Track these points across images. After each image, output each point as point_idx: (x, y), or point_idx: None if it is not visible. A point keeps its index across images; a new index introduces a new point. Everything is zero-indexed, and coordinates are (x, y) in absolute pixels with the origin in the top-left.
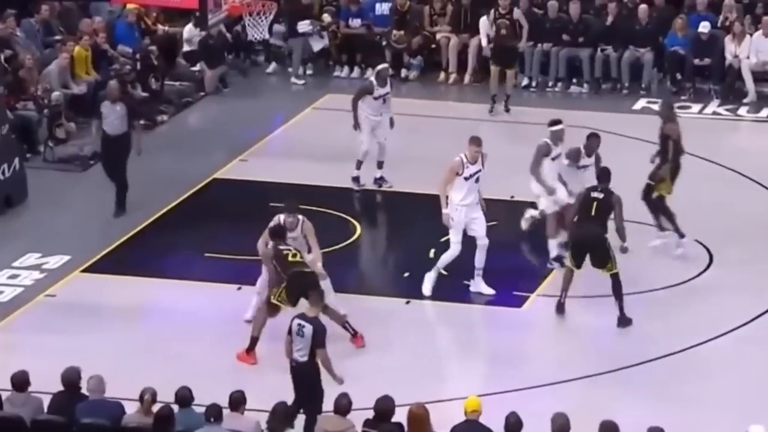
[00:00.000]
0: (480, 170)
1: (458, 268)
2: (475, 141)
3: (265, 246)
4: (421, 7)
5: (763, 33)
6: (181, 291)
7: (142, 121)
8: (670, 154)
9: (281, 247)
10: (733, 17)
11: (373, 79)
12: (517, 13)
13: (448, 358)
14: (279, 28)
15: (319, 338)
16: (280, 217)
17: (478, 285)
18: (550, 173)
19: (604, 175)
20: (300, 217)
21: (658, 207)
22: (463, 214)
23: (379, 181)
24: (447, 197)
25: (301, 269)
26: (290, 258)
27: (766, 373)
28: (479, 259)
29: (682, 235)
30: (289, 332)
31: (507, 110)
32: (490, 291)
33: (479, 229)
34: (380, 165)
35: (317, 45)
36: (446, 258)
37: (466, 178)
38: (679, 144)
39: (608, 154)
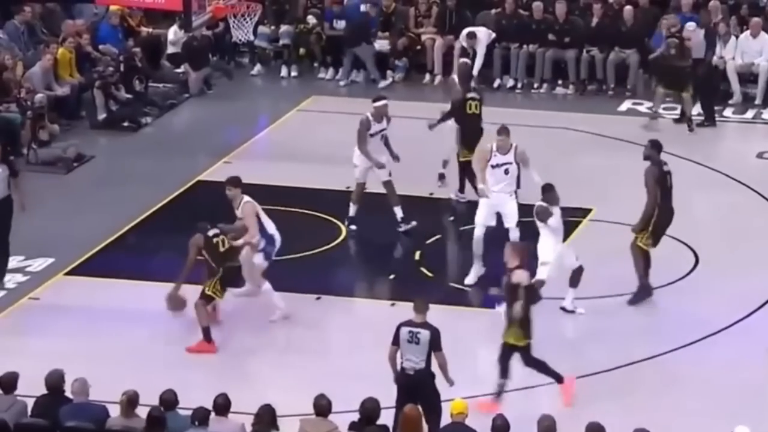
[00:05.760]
0: (510, 162)
1: (445, 269)
2: (498, 131)
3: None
4: (407, 8)
5: (750, 34)
6: (166, 294)
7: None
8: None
9: (210, 234)
10: (718, 18)
11: (368, 114)
12: (687, 32)
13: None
14: (264, 29)
15: (437, 342)
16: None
17: None
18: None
19: (660, 145)
20: (244, 196)
21: (467, 170)
22: (493, 199)
23: (401, 223)
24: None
25: (235, 263)
26: (220, 248)
27: (749, 376)
28: None
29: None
30: (395, 342)
31: (691, 130)
32: None
33: (509, 220)
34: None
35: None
36: (475, 242)
37: (493, 167)
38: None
39: (593, 156)
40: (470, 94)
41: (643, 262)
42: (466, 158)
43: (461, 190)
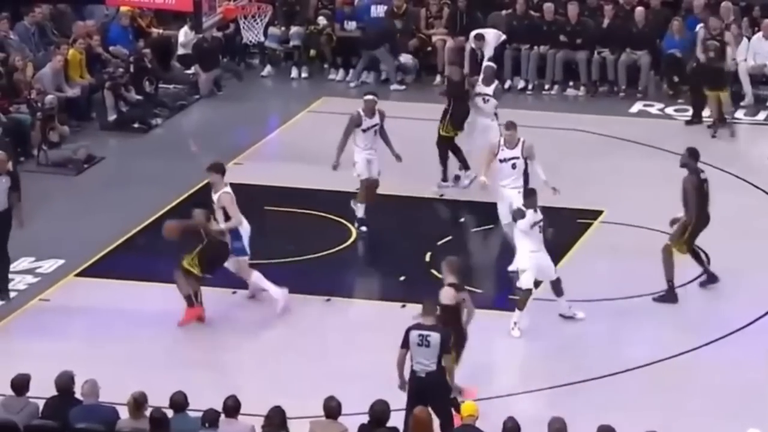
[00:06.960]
0: (517, 157)
1: None
2: (506, 125)
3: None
4: (417, 9)
5: (763, 35)
6: (176, 295)
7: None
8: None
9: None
10: (730, 20)
11: (360, 110)
12: (729, 36)
13: None
14: (274, 30)
15: (447, 344)
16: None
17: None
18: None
19: (697, 153)
20: (227, 185)
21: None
22: (504, 194)
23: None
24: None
25: (217, 238)
26: (213, 225)
27: (757, 377)
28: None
29: (467, 168)
30: (405, 345)
31: (731, 134)
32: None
33: None
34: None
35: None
36: (508, 236)
37: (501, 161)
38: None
39: (604, 158)
40: (467, 72)
41: (673, 265)
42: (448, 134)
43: (466, 167)
